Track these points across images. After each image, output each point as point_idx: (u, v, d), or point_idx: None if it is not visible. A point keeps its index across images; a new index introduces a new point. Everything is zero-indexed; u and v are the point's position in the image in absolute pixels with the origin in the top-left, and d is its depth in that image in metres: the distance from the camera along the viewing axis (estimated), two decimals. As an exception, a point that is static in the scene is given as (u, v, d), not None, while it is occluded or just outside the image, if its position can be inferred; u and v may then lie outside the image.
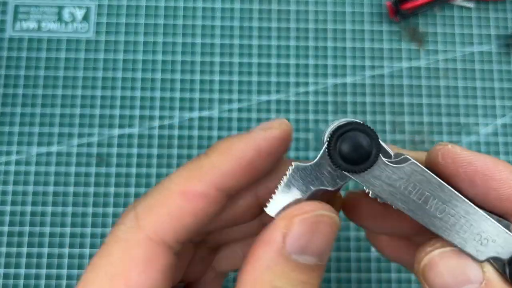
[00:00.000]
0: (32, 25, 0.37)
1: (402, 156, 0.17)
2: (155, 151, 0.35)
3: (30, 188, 0.34)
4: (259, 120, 0.36)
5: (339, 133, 0.16)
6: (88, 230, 0.34)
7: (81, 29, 0.37)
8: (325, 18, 0.38)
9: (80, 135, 0.35)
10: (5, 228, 0.34)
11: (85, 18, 0.37)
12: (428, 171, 0.16)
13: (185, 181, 0.17)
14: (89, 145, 0.35)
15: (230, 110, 0.36)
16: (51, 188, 0.34)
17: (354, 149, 0.16)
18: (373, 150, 0.16)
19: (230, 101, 0.36)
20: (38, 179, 0.34)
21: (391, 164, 0.16)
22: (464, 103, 0.37)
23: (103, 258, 0.16)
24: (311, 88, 0.37)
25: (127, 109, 0.36)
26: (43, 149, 0.35)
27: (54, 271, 0.33)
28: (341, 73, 0.37)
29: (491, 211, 0.17)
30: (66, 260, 0.33)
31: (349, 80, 0.37)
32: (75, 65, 0.36)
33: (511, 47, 0.37)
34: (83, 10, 0.37)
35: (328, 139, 0.17)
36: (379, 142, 0.16)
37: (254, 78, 0.36)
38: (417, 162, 0.16)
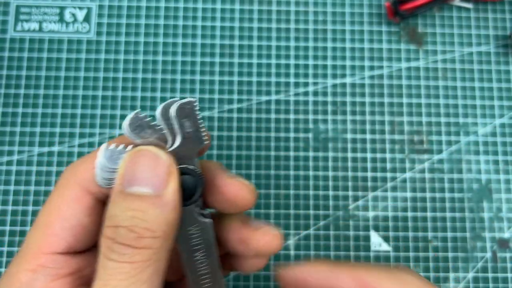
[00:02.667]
0: (34, 25, 0.37)
1: (208, 212, 0.21)
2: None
3: (32, 188, 0.34)
4: (259, 120, 0.36)
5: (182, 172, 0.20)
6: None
7: (82, 30, 0.37)
8: (325, 18, 0.38)
9: (81, 135, 0.35)
10: (7, 228, 0.34)
11: (86, 18, 0.37)
12: (213, 235, 0.21)
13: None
14: (90, 145, 0.35)
15: (230, 110, 0.36)
16: (52, 188, 0.34)
17: (184, 189, 0.20)
18: (194, 196, 0.20)
19: (230, 101, 0.36)
20: (39, 179, 0.35)
21: (197, 214, 0.21)
22: (462, 103, 0.37)
23: (47, 200, 0.21)
24: (310, 88, 0.37)
25: (128, 110, 0.36)
26: (45, 149, 0.35)
27: (55, 270, 0.33)
28: (341, 73, 0.37)
29: None
30: (67, 259, 0.33)
31: (348, 80, 0.37)
32: (76, 66, 0.36)
33: (509, 47, 0.38)
34: (84, 10, 0.37)
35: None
36: (201, 193, 0.21)
37: (254, 78, 0.37)
38: (211, 225, 0.21)
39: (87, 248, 0.22)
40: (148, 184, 0.19)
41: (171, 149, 0.20)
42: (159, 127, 0.20)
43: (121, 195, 0.19)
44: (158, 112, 0.20)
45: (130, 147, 0.20)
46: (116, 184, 0.19)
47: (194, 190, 0.20)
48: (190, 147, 0.20)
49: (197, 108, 0.20)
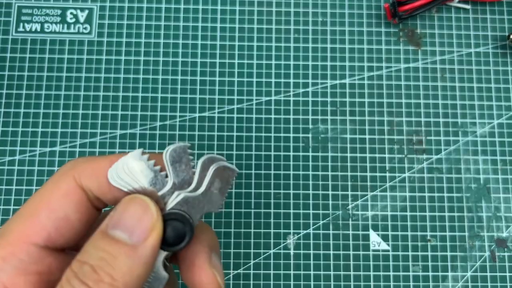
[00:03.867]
0: (35, 26, 0.37)
1: (171, 266, 0.21)
2: (156, 151, 0.35)
3: (34, 188, 0.35)
4: (259, 120, 0.36)
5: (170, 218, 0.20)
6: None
7: (83, 31, 0.37)
8: (324, 19, 0.38)
9: (83, 135, 0.36)
10: (9, 227, 0.34)
11: (88, 19, 0.37)
12: None
13: (115, 155, 0.21)
14: (91, 145, 0.35)
15: (230, 110, 0.36)
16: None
17: (170, 235, 0.20)
18: (172, 247, 0.20)
19: (230, 101, 0.37)
20: (41, 179, 0.35)
21: (161, 263, 0.20)
22: (461, 103, 0.37)
23: (39, 189, 0.21)
24: (310, 89, 0.37)
25: (129, 110, 0.36)
26: (46, 149, 0.35)
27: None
28: (340, 74, 0.37)
29: None
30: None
31: (347, 80, 0.37)
32: (77, 66, 0.37)
33: (508, 48, 0.38)
34: (86, 11, 0.37)
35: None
36: (180, 248, 0.20)
37: (254, 79, 0.37)
38: (165, 281, 0.20)
39: (66, 248, 0.21)
40: (129, 231, 0.19)
41: (189, 191, 0.20)
42: (194, 169, 0.20)
43: (101, 234, 0.19)
44: (201, 160, 0.20)
45: (158, 167, 0.20)
46: (102, 224, 0.19)
47: (176, 240, 0.20)
48: (204, 203, 0.20)
49: (235, 179, 0.20)
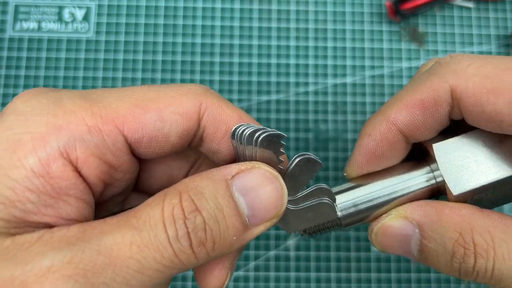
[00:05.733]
0: (32, 25, 0.37)
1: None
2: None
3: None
4: (259, 120, 0.36)
5: None
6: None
7: (81, 29, 0.37)
8: (325, 18, 0.38)
9: (81, 135, 0.35)
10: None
11: (85, 18, 0.37)
12: None
13: (244, 114, 0.21)
14: (89, 145, 0.35)
15: (230, 110, 0.36)
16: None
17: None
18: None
19: (230, 101, 0.36)
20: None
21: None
22: (463, 103, 0.37)
23: (158, 87, 0.19)
24: (311, 88, 0.37)
25: (127, 109, 0.36)
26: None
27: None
28: (341, 73, 0.37)
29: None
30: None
31: (349, 80, 0.37)
32: (75, 65, 0.36)
33: (510, 47, 0.38)
34: (83, 10, 0.37)
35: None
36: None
37: (254, 78, 0.37)
38: None
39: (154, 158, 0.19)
40: (252, 211, 0.17)
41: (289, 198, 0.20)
42: (282, 154, 0.19)
43: (226, 187, 0.17)
44: (318, 185, 0.21)
45: (282, 161, 0.19)
46: (227, 172, 0.17)
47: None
48: (289, 217, 0.20)
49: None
